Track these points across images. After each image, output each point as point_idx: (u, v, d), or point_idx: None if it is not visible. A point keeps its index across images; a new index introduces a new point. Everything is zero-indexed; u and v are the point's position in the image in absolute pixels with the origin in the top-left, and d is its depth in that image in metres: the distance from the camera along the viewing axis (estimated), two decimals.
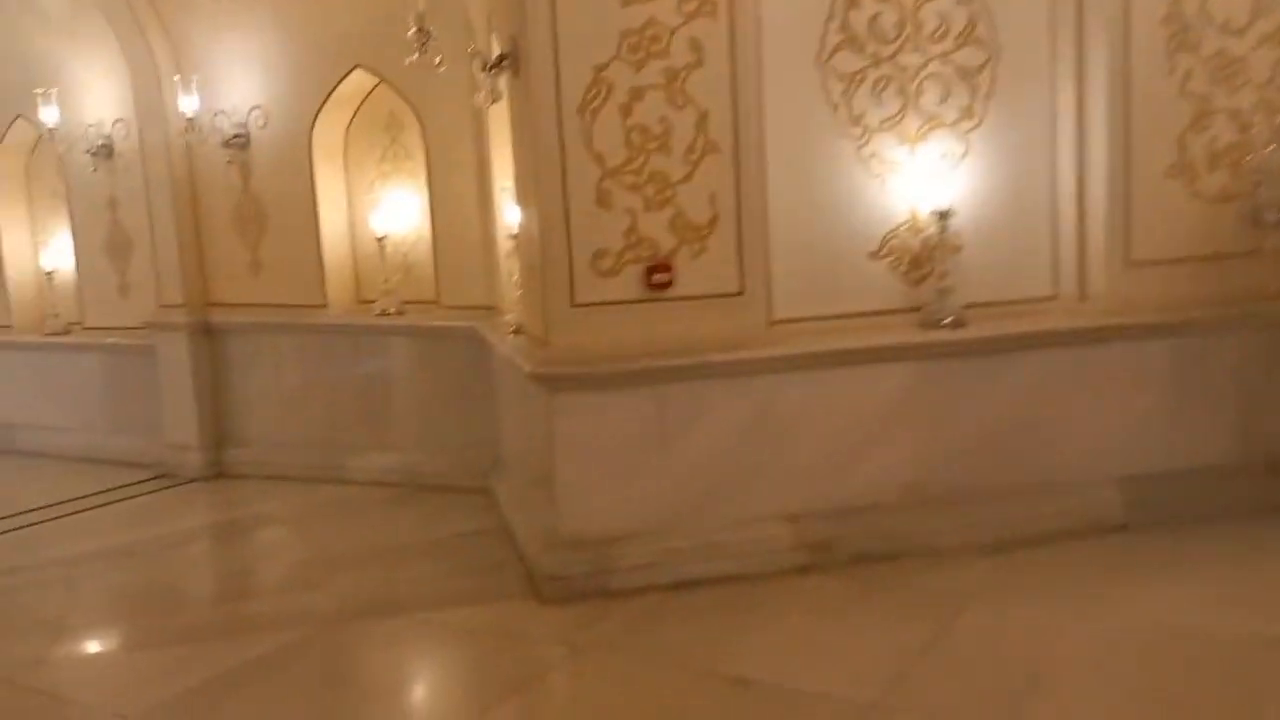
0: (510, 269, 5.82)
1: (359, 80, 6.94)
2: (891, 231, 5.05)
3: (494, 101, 5.20)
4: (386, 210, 7.15)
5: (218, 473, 7.46)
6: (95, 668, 4.37)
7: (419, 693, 4.12)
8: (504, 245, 6.00)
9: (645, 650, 4.01)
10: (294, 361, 7.35)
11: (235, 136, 7.25)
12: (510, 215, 5.51)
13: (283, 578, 5.45)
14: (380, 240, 7.08)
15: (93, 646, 4.78)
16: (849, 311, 4.98)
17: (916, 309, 5.05)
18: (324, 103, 7.01)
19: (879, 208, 5.04)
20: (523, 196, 5.05)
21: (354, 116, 7.19)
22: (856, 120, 4.99)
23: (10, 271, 8.77)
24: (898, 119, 5.02)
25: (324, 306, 7.23)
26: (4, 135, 8.51)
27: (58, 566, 5.68)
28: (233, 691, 3.90)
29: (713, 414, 4.68)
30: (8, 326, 8.76)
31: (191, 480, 7.36)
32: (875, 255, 5.05)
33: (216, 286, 7.59)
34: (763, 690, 3.62)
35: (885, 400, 4.88)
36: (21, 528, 6.39)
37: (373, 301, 7.25)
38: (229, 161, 7.33)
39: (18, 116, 8.22)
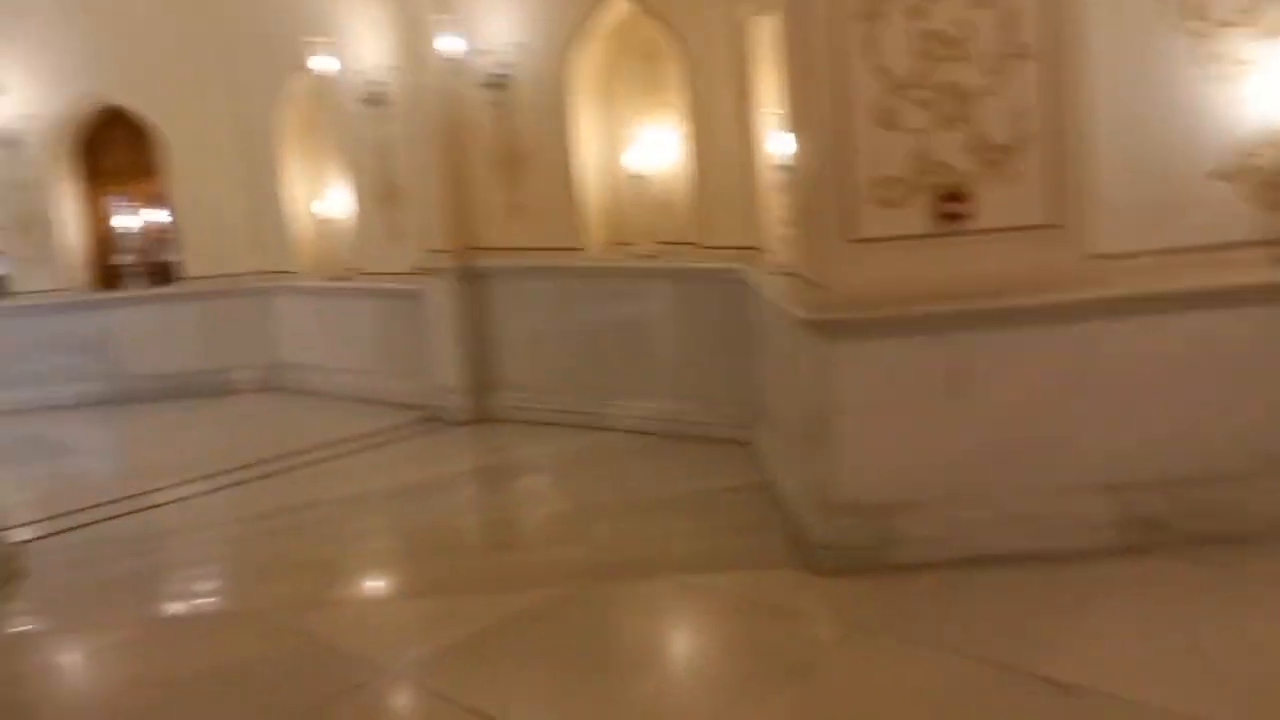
0: (777, 205, 5.34)
1: (618, 9, 6.61)
2: (1243, 146, 4.15)
3: (759, 14, 4.69)
4: (644, 147, 6.83)
5: (482, 416, 7.51)
6: (359, 614, 4.35)
7: (686, 669, 3.76)
8: (770, 179, 5.52)
9: (938, 638, 3.49)
10: (554, 305, 7.23)
11: (495, 76, 7.14)
12: (778, 144, 5.01)
13: (543, 528, 5.32)
14: (638, 179, 6.78)
15: (358, 591, 4.81)
16: (1187, 245, 4.14)
17: (1273, 241, 4.14)
18: (582, 36, 6.75)
19: (1226, 119, 4.15)
20: (793, 121, 4.53)
21: (611, 49, 6.89)
22: (1198, 11, 4.11)
23: (293, 217, 9.20)
24: (1251, 8, 4.09)
25: (581, 249, 7.04)
26: (285, 86, 8.87)
27: (331, 506, 5.84)
28: (489, 652, 3.73)
29: (1018, 366, 4.03)
30: (293, 272, 9.23)
31: (456, 423, 7.45)
32: (1220, 176, 4.17)
33: (478, 231, 7.58)
34: (1093, 700, 3.01)
35: (1234, 352, 4.04)
36: (298, 467, 6.65)
37: (631, 244, 6.99)
38: (489, 103, 7.25)
39: (297, 67, 8.53)
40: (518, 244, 7.37)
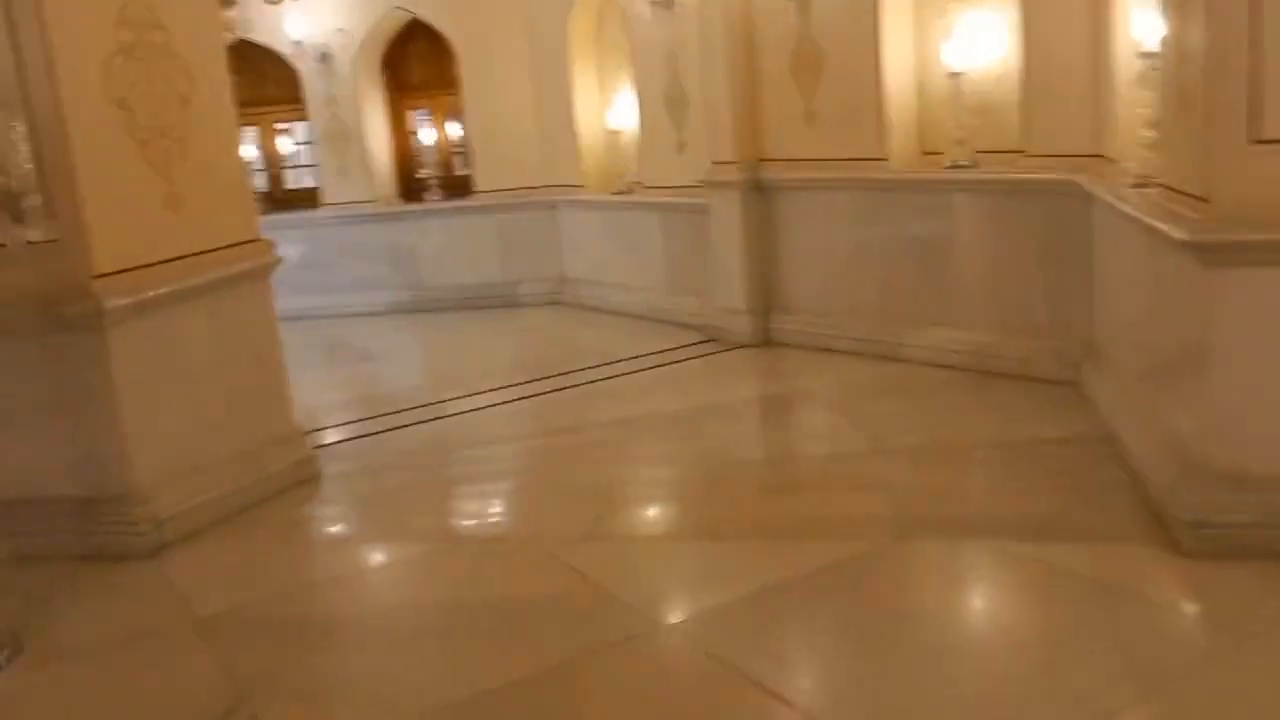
0: (1137, 102, 4.42)
1: None
2: None
3: None
4: (964, 40, 5.98)
5: (765, 339, 7.06)
6: (633, 555, 4.03)
7: (1010, 666, 3.03)
8: (1128, 71, 4.59)
9: None
10: (848, 222, 6.60)
11: None
12: (1146, 27, 4.10)
13: (833, 470, 4.77)
14: (954, 78, 5.96)
15: (632, 527, 4.48)
16: None
17: None
18: None
19: None
20: None
21: None
22: None
23: (581, 129, 9.03)
24: None
25: (884, 160, 6.34)
26: None
27: (609, 429, 5.64)
28: (773, 615, 3.30)
29: None
30: (580, 186, 9.10)
31: (739, 346, 7.05)
32: None
33: (769, 141, 7.03)
34: None
35: None
36: (580, 385, 6.50)
37: (940, 153, 6.21)
38: (790, 0, 6.62)
39: None
40: (812, 155, 6.76)
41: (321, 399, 6.75)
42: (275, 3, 9.07)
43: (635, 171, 8.57)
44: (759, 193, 7.05)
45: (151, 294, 4.23)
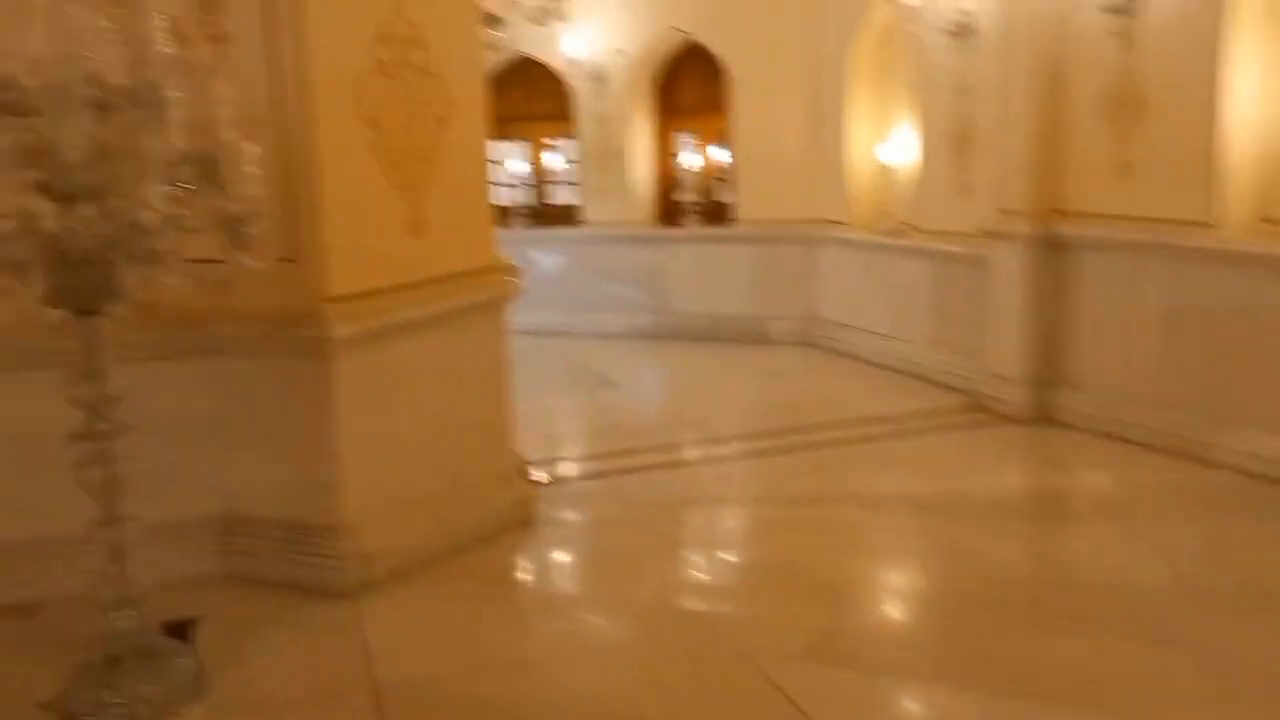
0: None
1: None
2: None
3: None
4: None
5: (1041, 416, 6.18)
6: (863, 691, 3.32)
7: None
8: None
9: None
10: (1160, 294, 5.62)
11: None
12: None
13: (1122, 609, 3.81)
14: None
15: (866, 651, 3.65)
16: None
17: None
18: None
19: None
20: None
21: None
22: None
23: (852, 163, 8.41)
24: None
25: (1212, 226, 5.34)
26: (863, 20, 8.04)
27: (854, 507, 5.02)
28: None
29: None
30: (843, 223, 8.48)
31: (1008, 420, 6.21)
32: None
33: (1071, 191, 6.16)
34: None
35: None
36: (824, 444, 5.92)
37: None
38: (1107, 33, 5.74)
39: None
40: (1120, 211, 5.83)
41: (555, 427, 6.57)
42: (542, 24, 9.04)
43: (906, 212, 7.86)
44: (1051, 249, 6.19)
45: (382, 322, 4.08)
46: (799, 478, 5.48)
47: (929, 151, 7.49)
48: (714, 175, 9.72)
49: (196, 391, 3.99)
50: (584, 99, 9.73)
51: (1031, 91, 6.17)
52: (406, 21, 4.16)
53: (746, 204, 9.12)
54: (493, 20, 7.65)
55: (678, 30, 9.22)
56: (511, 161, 10.25)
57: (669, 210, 9.86)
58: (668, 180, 9.91)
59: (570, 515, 4.99)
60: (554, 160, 10.52)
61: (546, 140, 10.43)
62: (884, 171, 8.26)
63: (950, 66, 7.05)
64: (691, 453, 5.95)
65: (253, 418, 4.05)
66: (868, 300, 8.19)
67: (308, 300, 3.90)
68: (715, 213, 9.52)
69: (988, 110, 6.67)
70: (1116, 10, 5.64)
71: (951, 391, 6.77)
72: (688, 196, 9.56)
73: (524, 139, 10.31)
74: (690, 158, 9.60)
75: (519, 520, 4.73)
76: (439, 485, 4.41)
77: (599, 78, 9.62)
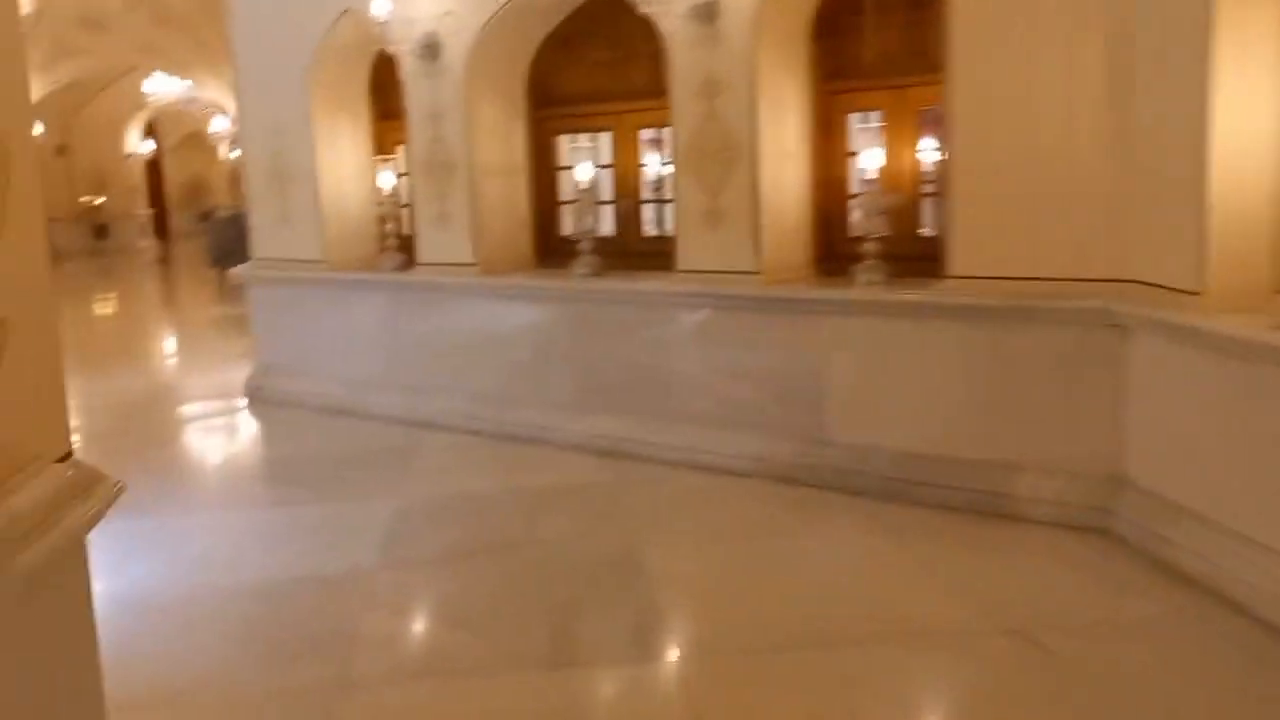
0: None
1: None
2: None
3: None
4: None
5: None
6: None
7: None
8: None
9: None
10: None
11: None
12: None
13: None
14: None
15: None
16: None
17: None
18: None
19: None
20: None
21: None
22: None
23: (1223, 174, 3.91)
24: None
25: None
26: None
27: None
28: None
29: None
30: (1187, 292, 4.00)
31: None
32: None
33: None
34: None
35: None
36: None
37: None
38: None
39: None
40: None
41: None
42: None
43: None
44: None
45: None
46: None
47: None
48: (910, 191, 5.42)
49: None
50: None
51: None
52: None
53: (968, 245, 4.76)
54: None
55: None
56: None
57: (832, 253, 5.65)
58: (831, 200, 5.71)
59: None
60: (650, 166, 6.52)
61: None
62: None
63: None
64: None
65: None
66: (1238, 460, 3.73)
67: None
68: (907, 259, 5.22)
69: None
70: None
71: None
72: (868, 227, 5.30)
73: None
74: (871, 158, 5.33)
75: None
76: None
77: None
